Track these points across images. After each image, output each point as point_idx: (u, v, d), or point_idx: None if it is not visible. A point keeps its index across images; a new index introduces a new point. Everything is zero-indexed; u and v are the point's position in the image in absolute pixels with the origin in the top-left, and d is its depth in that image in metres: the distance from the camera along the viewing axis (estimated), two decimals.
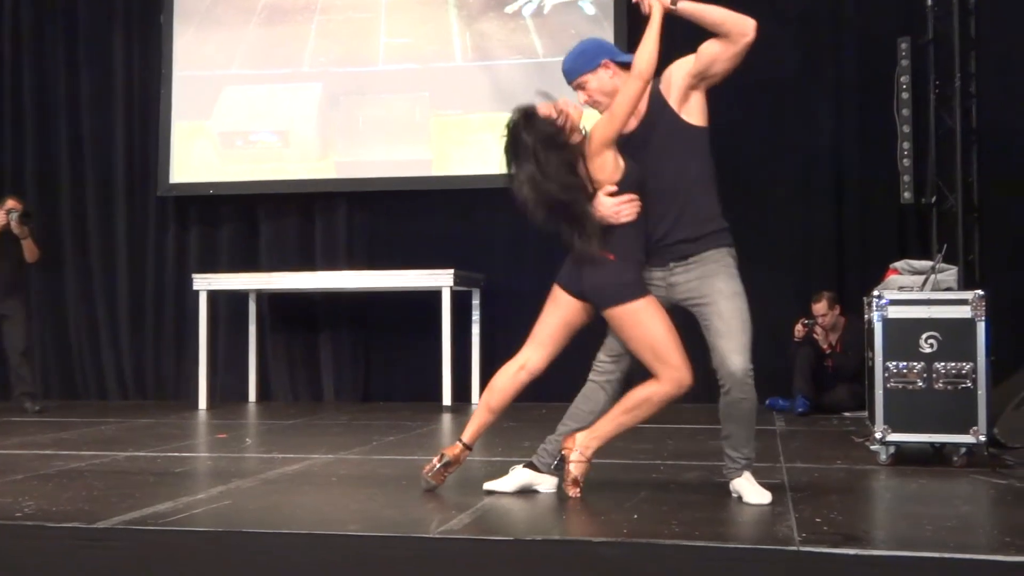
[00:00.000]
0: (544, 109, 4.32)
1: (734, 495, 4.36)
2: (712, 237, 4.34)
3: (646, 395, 4.38)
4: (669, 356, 4.34)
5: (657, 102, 4.41)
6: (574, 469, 4.41)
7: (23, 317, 8.74)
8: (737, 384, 4.30)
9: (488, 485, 4.51)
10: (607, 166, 4.31)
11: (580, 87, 4.42)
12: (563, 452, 4.47)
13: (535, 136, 4.26)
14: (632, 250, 4.34)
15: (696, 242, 4.32)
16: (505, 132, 4.34)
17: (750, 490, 4.32)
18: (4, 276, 8.61)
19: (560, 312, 4.49)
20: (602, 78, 4.42)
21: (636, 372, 4.49)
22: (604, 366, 4.54)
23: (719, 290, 4.28)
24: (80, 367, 10.13)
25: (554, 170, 4.24)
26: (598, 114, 4.42)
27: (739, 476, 4.37)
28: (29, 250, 8.73)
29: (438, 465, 4.54)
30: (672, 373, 4.35)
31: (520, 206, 4.30)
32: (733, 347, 4.27)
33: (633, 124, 4.39)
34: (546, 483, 4.54)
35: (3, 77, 10.39)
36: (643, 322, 4.32)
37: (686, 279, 4.33)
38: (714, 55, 4.38)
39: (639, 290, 4.33)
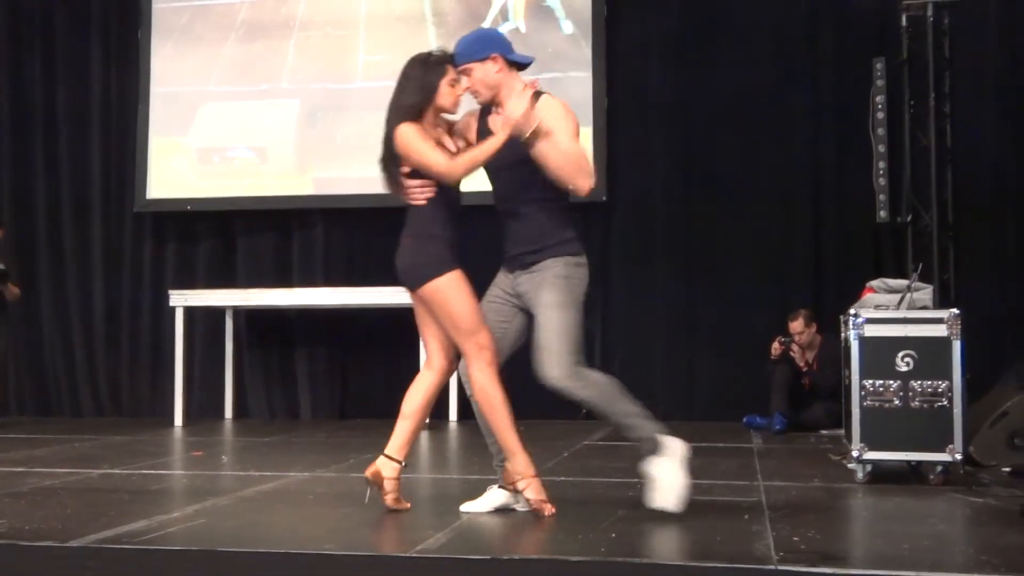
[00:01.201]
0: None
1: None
2: (553, 248, 4.41)
3: (473, 382, 4.43)
4: (469, 326, 4.41)
5: None
6: (530, 493, 4.39)
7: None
8: (561, 390, 4.32)
9: (465, 507, 4.50)
10: (407, 164, 4.45)
11: (465, 73, 4.49)
12: (511, 487, 4.45)
13: (419, 71, 4.47)
14: (428, 228, 4.46)
15: (537, 253, 4.41)
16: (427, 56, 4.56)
17: (663, 488, 4.30)
18: None
19: (420, 310, 4.61)
20: (488, 70, 4.47)
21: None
22: None
23: (543, 302, 4.36)
24: (54, 383, 10.05)
25: (407, 97, 4.45)
26: (475, 102, 4.56)
27: (652, 460, 4.35)
28: (10, 294, 8.93)
29: (378, 492, 4.51)
30: (471, 340, 4.40)
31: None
32: (546, 359, 4.31)
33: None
34: (522, 501, 4.52)
35: None
36: (449, 298, 4.41)
37: (526, 289, 4.44)
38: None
39: (440, 267, 4.42)
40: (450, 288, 4.41)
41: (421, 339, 4.69)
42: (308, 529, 4.39)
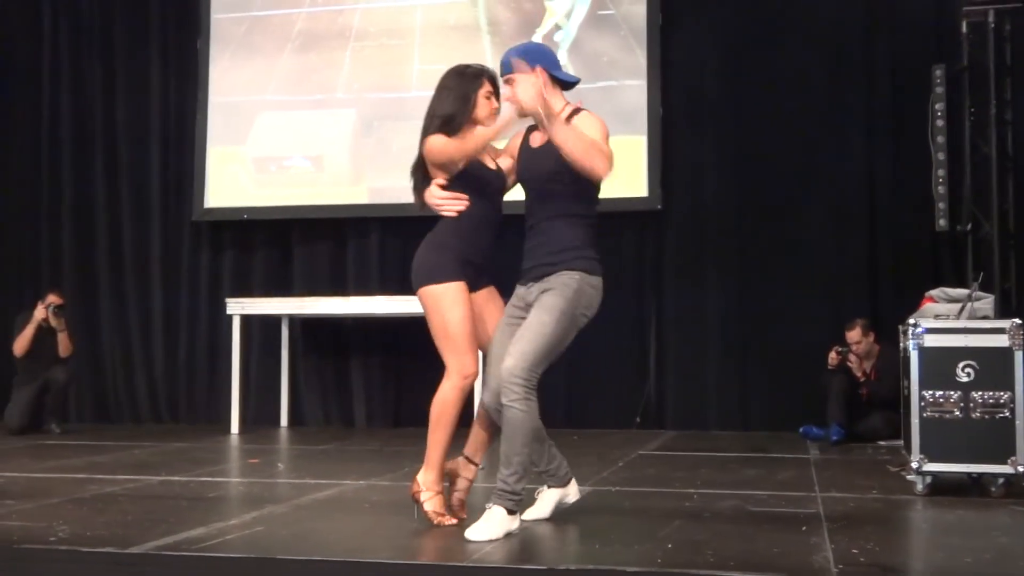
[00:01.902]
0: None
1: None
2: (571, 261, 4.37)
3: (440, 399, 4.43)
4: (457, 343, 4.39)
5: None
6: (429, 505, 4.40)
7: (65, 377, 9.10)
8: (503, 384, 4.22)
9: (525, 515, 4.49)
10: (437, 175, 4.49)
11: (509, 82, 4.46)
12: (412, 495, 4.47)
13: (459, 81, 4.51)
14: (444, 236, 4.47)
15: (554, 265, 4.38)
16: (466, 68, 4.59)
17: (479, 522, 4.16)
18: (49, 355, 9.05)
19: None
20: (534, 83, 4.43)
21: None
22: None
23: (542, 302, 4.33)
24: (114, 391, 10.19)
25: (444, 107, 4.48)
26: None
27: (489, 506, 4.21)
28: (63, 344, 9.11)
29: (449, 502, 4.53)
30: (456, 360, 4.39)
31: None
32: (513, 350, 4.24)
33: (538, 142, 4.48)
34: (571, 493, 4.62)
35: (41, 105, 10.52)
36: (443, 307, 4.39)
37: (536, 297, 4.38)
38: None
39: (446, 274, 4.41)
40: (445, 299, 4.40)
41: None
42: (365, 537, 4.41)
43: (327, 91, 9.76)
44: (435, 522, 4.38)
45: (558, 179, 4.37)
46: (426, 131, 4.52)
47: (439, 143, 4.43)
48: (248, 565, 3.79)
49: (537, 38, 9.18)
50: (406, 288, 9.12)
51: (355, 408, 9.67)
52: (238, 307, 9.15)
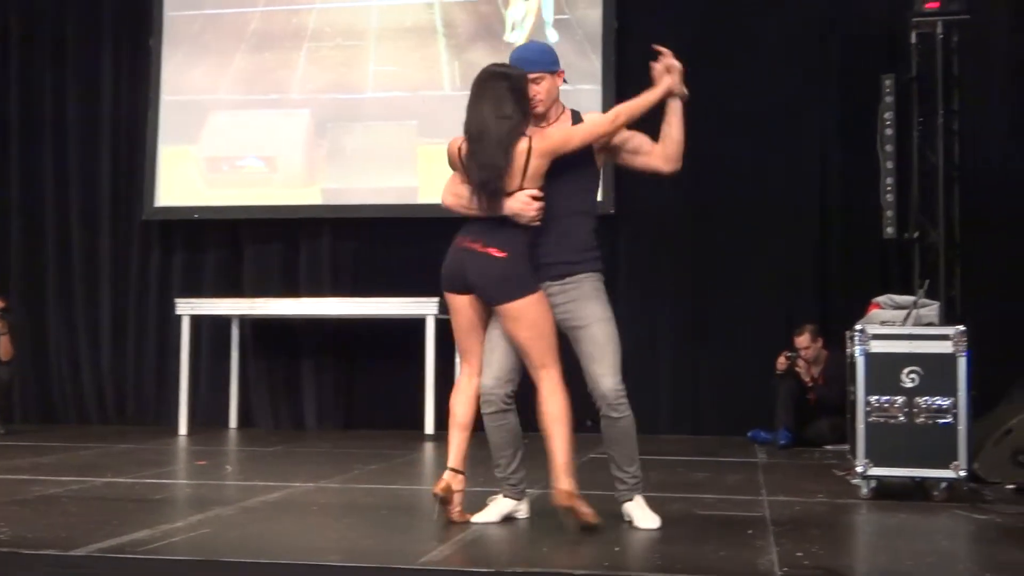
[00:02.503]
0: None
1: (626, 519, 4.46)
2: (592, 262, 4.49)
3: (560, 403, 4.44)
4: (555, 347, 4.42)
5: None
6: (585, 507, 4.36)
7: (7, 378, 9.02)
8: (609, 404, 4.41)
9: (475, 518, 4.51)
10: (540, 171, 4.38)
11: (535, 82, 4.45)
12: (567, 508, 4.36)
13: (511, 83, 4.39)
14: (521, 246, 4.41)
15: (575, 264, 4.45)
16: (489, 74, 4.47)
17: (640, 515, 4.43)
18: None
19: (463, 318, 4.53)
20: (556, 84, 4.51)
21: None
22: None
23: (593, 314, 4.41)
24: (60, 391, 10.06)
25: (511, 108, 4.35)
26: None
27: (630, 500, 4.47)
28: (4, 348, 8.95)
29: (444, 507, 4.48)
30: (556, 360, 4.42)
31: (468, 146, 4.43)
32: (603, 370, 4.37)
33: None
34: (522, 510, 4.63)
35: None
36: (542, 312, 4.39)
37: (563, 300, 4.44)
38: (638, 148, 4.68)
39: (533, 283, 4.40)
40: (542, 305, 4.39)
41: (459, 348, 4.64)
42: (312, 540, 4.39)
43: (281, 91, 9.71)
44: (591, 523, 4.29)
45: (581, 174, 4.47)
46: (501, 131, 4.30)
47: (568, 130, 4.42)
48: (194, 568, 3.77)
49: (496, 42, 9.19)
50: (357, 290, 9.25)
51: (305, 410, 9.63)
52: (188, 307, 9.07)
